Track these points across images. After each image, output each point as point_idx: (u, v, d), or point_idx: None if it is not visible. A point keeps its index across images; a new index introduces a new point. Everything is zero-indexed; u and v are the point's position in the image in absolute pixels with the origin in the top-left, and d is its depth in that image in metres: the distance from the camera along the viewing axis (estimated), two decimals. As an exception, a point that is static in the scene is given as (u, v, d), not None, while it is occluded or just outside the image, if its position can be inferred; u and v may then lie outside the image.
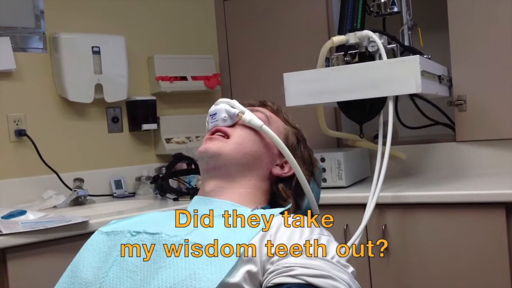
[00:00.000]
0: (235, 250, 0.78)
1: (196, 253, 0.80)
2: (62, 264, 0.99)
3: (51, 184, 2.05)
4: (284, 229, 0.82)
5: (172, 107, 2.50)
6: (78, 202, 2.02)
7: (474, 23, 1.95)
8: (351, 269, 0.81)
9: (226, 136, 0.99)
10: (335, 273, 0.77)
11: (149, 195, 2.23)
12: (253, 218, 0.86)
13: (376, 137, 2.06)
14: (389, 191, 1.69)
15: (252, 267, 0.78)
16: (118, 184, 2.24)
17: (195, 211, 0.96)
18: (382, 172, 1.61)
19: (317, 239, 0.81)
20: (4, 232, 1.45)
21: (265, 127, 0.99)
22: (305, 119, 1.91)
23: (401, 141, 2.18)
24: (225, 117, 1.00)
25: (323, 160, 1.91)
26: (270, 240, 0.81)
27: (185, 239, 0.83)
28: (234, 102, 1.02)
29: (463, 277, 1.59)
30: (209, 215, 0.93)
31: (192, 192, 2.01)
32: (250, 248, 0.79)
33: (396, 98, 2.10)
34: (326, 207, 1.74)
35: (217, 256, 0.78)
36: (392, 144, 1.66)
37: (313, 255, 0.78)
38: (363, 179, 2.10)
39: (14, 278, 1.48)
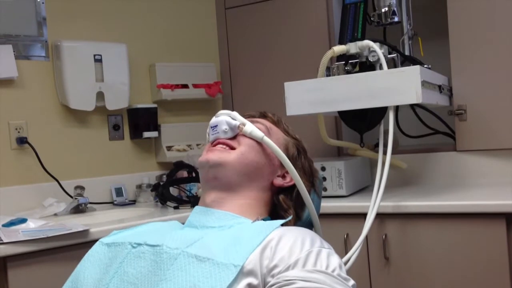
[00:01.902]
0: (235, 263, 0.79)
1: (197, 265, 0.80)
2: (63, 272, 0.99)
3: (52, 192, 2.06)
4: (285, 241, 0.82)
5: (173, 115, 2.50)
6: (78, 210, 2.02)
7: (474, 33, 1.96)
8: (351, 282, 0.81)
9: (231, 148, 0.99)
10: (335, 286, 0.77)
11: (149, 203, 2.23)
12: (254, 229, 0.87)
13: (377, 146, 2.06)
14: (390, 201, 1.69)
15: (252, 280, 0.78)
16: (119, 191, 2.24)
17: (196, 221, 0.96)
18: (383, 181, 1.61)
19: (318, 252, 0.81)
20: (5, 241, 1.45)
21: (266, 139, 0.99)
22: (306, 127, 1.93)
23: (401, 150, 2.18)
24: (226, 129, 1.00)
25: (323, 169, 1.91)
26: (271, 252, 0.81)
27: (185, 252, 0.83)
28: (235, 113, 1.03)
29: (463, 286, 1.59)
30: (210, 227, 0.93)
31: (192, 200, 2.01)
32: (251, 261, 0.79)
33: (397, 108, 2.11)
34: (326, 216, 1.73)
35: (218, 269, 0.79)
36: (393, 153, 1.66)
37: (313, 268, 0.78)
38: (364, 188, 2.10)
39: (15, 286, 1.48)
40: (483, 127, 1.95)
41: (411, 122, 2.18)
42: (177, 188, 2.21)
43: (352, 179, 1.96)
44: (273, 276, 0.78)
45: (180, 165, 2.16)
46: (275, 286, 0.77)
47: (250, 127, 0.99)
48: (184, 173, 2.20)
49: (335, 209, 1.77)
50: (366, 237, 1.67)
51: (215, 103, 2.59)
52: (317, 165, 1.88)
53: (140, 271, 0.84)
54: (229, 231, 0.89)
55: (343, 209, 1.77)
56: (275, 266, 0.79)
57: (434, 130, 2.19)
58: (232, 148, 0.99)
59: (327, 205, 1.76)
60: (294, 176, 0.99)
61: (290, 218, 0.96)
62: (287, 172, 1.02)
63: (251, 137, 0.99)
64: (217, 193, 0.97)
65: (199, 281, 0.78)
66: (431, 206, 1.63)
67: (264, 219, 0.95)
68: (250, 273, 0.79)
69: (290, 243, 0.82)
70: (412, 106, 2.07)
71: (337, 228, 1.76)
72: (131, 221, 1.74)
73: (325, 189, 1.90)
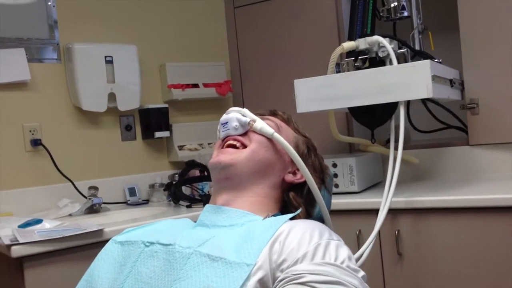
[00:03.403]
0: (247, 262, 0.79)
1: (210, 265, 0.81)
2: (78, 272, 1.00)
3: (66, 193, 2.08)
4: (294, 235, 0.82)
5: (184, 114, 2.52)
6: (93, 210, 2.04)
7: (485, 26, 1.94)
8: (361, 273, 0.81)
9: (243, 145, 1.00)
10: (344, 278, 0.77)
11: (162, 202, 2.24)
12: (264, 226, 0.87)
13: (388, 141, 2.05)
14: (402, 196, 1.68)
15: (262, 276, 0.79)
16: (132, 191, 2.26)
17: (207, 220, 0.96)
18: (395, 177, 1.61)
19: (327, 244, 0.81)
20: (21, 241, 1.47)
21: (277, 135, 0.99)
22: (317, 124, 1.93)
23: (413, 145, 2.17)
24: (236, 125, 1.01)
25: (335, 165, 1.91)
26: (280, 247, 0.81)
27: (198, 251, 0.84)
28: (245, 110, 1.03)
29: (477, 281, 1.58)
30: (221, 225, 0.93)
31: (205, 199, 2.02)
32: (261, 257, 0.80)
33: (408, 102, 2.10)
34: (338, 213, 1.74)
35: (231, 268, 0.79)
36: (405, 148, 1.66)
37: (322, 261, 0.78)
38: (376, 184, 2.09)
39: (31, 286, 1.50)
40: (496, 120, 1.93)
41: (423, 117, 2.16)
42: (189, 187, 2.23)
43: (364, 175, 1.96)
44: (282, 271, 0.79)
45: (192, 164, 2.17)
46: (284, 280, 0.77)
47: (260, 124, 1.00)
48: (196, 172, 2.21)
49: (347, 206, 1.77)
50: (379, 233, 1.67)
51: (226, 102, 2.60)
52: (328, 162, 1.89)
53: (153, 271, 0.85)
54: (240, 229, 0.89)
55: (355, 205, 1.77)
56: (284, 261, 0.79)
57: (446, 124, 2.18)
58: (244, 145, 0.99)
59: (339, 202, 1.76)
60: (304, 172, 0.99)
61: (299, 211, 0.96)
62: (297, 169, 1.02)
63: (261, 134, 1.00)
64: (228, 192, 0.98)
65: (212, 281, 0.78)
66: (444, 201, 1.62)
67: (274, 215, 0.95)
68: (260, 268, 0.79)
69: (298, 237, 0.82)
70: (424, 100, 2.06)
71: (350, 224, 1.76)
72: (145, 221, 1.76)
73: (337, 186, 1.90)
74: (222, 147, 1.01)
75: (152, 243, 0.90)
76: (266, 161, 0.99)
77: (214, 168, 0.99)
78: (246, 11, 2.57)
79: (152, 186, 2.30)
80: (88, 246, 1.57)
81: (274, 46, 2.49)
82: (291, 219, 0.90)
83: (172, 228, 0.98)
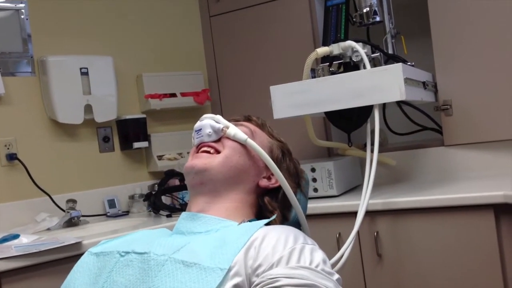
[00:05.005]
0: (221, 266, 0.79)
1: (184, 271, 0.81)
2: (57, 286, 1.00)
3: (44, 207, 2.05)
4: (269, 240, 0.83)
5: (162, 124, 2.51)
6: (71, 223, 2.02)
7: (456, 29, 1.98)
8: (336, 276, 0.82)
9: (216, 151, 1.00)
10: (319, 281, 0.77)
11: (142, 213, 2.23)
12: (239, 231, 0.88)
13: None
14: (380, 198, 1.70)
15: (238, 281, 0.79)
16: (112, 203, 2.24)
17: (183, 227, 0.97)
18: (371, 179, 1.63)
19: (301, 248, 0.82)
20: (-3, 257, 1.45)
21: (250, 141, 1.00)
22: (295, 129, 1.94)
23: (390, 147, 2.20)
24: (210, 132, 1.02)
25: (313, 170, 1.92)
26: (255, 252, 0.82)
27: (172, 258, 0.84)
28: (219, 117, 1.04)
29: (456, 279, 1.60)
30: (197, 232, 0.94)
31: (185, 208, 2.00)
32: (236, 262, 0.80)
33: (384, 106, 2.13)
34: (318, 217, 1.76)
35: (205, 273, 0.79)
36: (382, 151, 1.68)
37: (297, 265, 0.79)
38: (355, 187, 2.11)
39: (9, 302, 1.48)
40: (469, 121, 1.97)
41: (400, 119, 2.20)
42: (169, 197, 2.22)
43: (343, 178, 1.97)
44: (257, 276, 0.79)
45: (170, 173, 2.17)
46: (260, 285, 0.77)
47: (233, 130, 1.01)
48: (176, 181, 2.20)
49: (326, 209, 1.78)
50: (358, 235, 1.69)
51: (204, 110, 2.60)
52: (307, 166, 1.90)
53: (129, 279, 0.85)
54: (215, 235, 0.90)
55: (334, 208, 1.78)
56: (259, 266, 0.80)
57: (421, 126, 2.21)
58: (217, 151, 1.00)
59: (318, 206, 1.77)
60: (279, 176, 1.00)
61: (274, 217, 0.97)
62: (272, 174, 1.03)
63: (235, 140, 1.01)
64: (203, 198, 0.98)
65: (187, 286, 0.79)
66: (420, 201, 1.64)
67: (250, 221, 0.96)
68: (236, 274, 0.80)
69: (273, 242, 0.83)
70: (399, 103, 2.09)
71: (330, 228, 1.77)
72: (124, 232, 1.74)
73: (316, 190, 1.91)
74: (197, 153, 1.02)
75: (127, 252, 0.90)
76: (240, 167, 1.00)
77: (188, 172, 0.99)
78: (222, 19, 2.59)
79: (132, 197, 2.28)
80: (67, 260, 1.55)
81: (251, 54, 2.50)
82: (267, 224, 0.91)
83: (148, 237, 0.98)
